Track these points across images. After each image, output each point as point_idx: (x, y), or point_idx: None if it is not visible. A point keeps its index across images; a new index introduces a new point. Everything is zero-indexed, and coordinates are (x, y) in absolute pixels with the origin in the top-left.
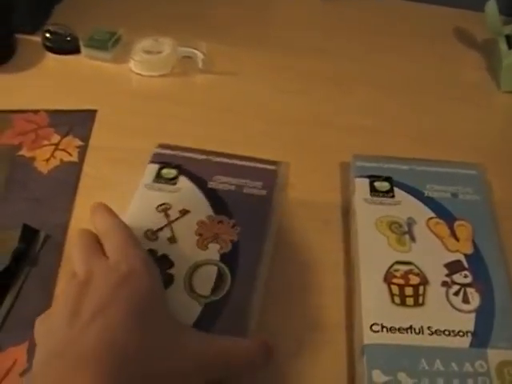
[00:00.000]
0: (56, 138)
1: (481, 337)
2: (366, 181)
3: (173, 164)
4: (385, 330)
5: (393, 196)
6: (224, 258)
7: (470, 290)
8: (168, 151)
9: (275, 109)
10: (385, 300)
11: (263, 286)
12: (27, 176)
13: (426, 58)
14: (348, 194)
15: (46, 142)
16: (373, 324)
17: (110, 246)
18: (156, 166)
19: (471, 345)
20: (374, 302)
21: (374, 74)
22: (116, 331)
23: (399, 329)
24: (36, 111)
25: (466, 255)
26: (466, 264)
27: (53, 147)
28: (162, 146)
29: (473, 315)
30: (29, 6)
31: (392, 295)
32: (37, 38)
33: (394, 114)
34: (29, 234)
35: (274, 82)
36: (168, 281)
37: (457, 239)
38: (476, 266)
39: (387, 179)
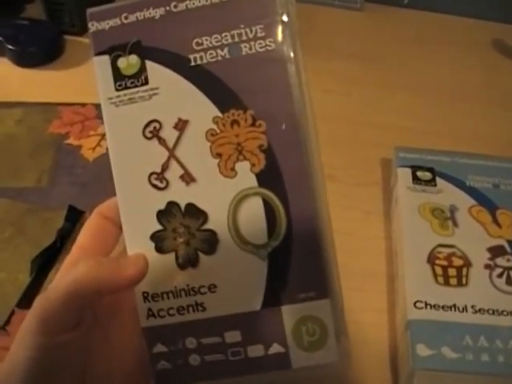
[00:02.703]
0: (103, 129)
1: None
2: (409, 170)
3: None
4: (428, 307)
5: (435, 185)
6: (262, 178)
7: None
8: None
9: (318, 107)
10: (428, 279)
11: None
12: (74, 162)
13: (463, 66)
14: (390, 184)
15: (92, 133)
16: (416, 301)
17: None
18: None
19: None
20: (417, 280)
21: (412, 79)
22: None
23: (443, 307)
24: (83, 104)
25: (508, 241)
26: (508, 249)
27: (99, 137)
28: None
29: None
30: (78, 8)
31: (435, 275)
32: (85, 40)
33: (433, 117)
34: (74, 215)
35: (316, 84)
36: (212, 241)
37: (499, 226)
38: None
39: (429, 169)
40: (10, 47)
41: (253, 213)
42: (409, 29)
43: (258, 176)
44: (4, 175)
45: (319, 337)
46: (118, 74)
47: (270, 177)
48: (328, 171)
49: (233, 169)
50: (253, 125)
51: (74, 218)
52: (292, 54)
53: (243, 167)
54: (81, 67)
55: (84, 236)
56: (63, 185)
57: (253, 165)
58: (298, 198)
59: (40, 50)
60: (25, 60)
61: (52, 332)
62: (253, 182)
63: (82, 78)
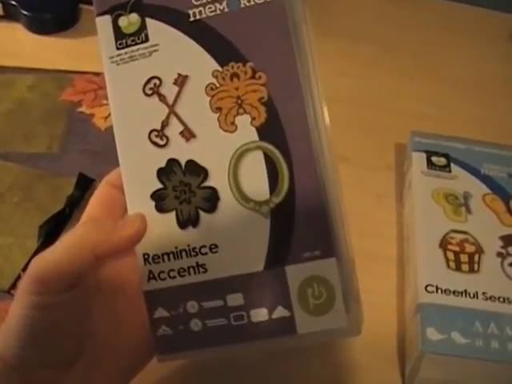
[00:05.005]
0: None
1: None
2: (423, 155)
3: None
4: (439, 291)
5: (449, 171)
6: (263, 132)
7: None
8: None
9: (335, 90)
10: (440, 264)
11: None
12: (86, 130)
13: (480, 56)
14: (403, 169)
15: (105, 102)
16: (428, 285)
17: None
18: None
19: None
20: (429, 264)
21: (429, 66)
22: None
23: (454, 292)
24: (97, 73)
25: None
26: None
27: None
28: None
29: None
30: None
31: (447, 260)
32: None
33: (448, 104)
34: (84, 183)
35: (335, 66)
36: (212, 199)
37: None
38: None
39: (444, 155)
40: (25, 13)
41: (254, 168)
42: (429, 17)
43: (259, 129)
44: (15, 140)
45: (326, 299)
46: (119, 33)
47: (271, 130)
48: (341, 153)
49: (233, 123)
50: (253, 77)
51: (84, 185)
52: (291, 5)
53: (243, 121)
54: (95, 36)
55: (93, 205)
56: (74, 152)
57: (253, 118)
58: (300, 151)
59: (55, 17)
60: (39, 26)
61: (46, 292)
62: (253, 135)
63: (96, 47)
